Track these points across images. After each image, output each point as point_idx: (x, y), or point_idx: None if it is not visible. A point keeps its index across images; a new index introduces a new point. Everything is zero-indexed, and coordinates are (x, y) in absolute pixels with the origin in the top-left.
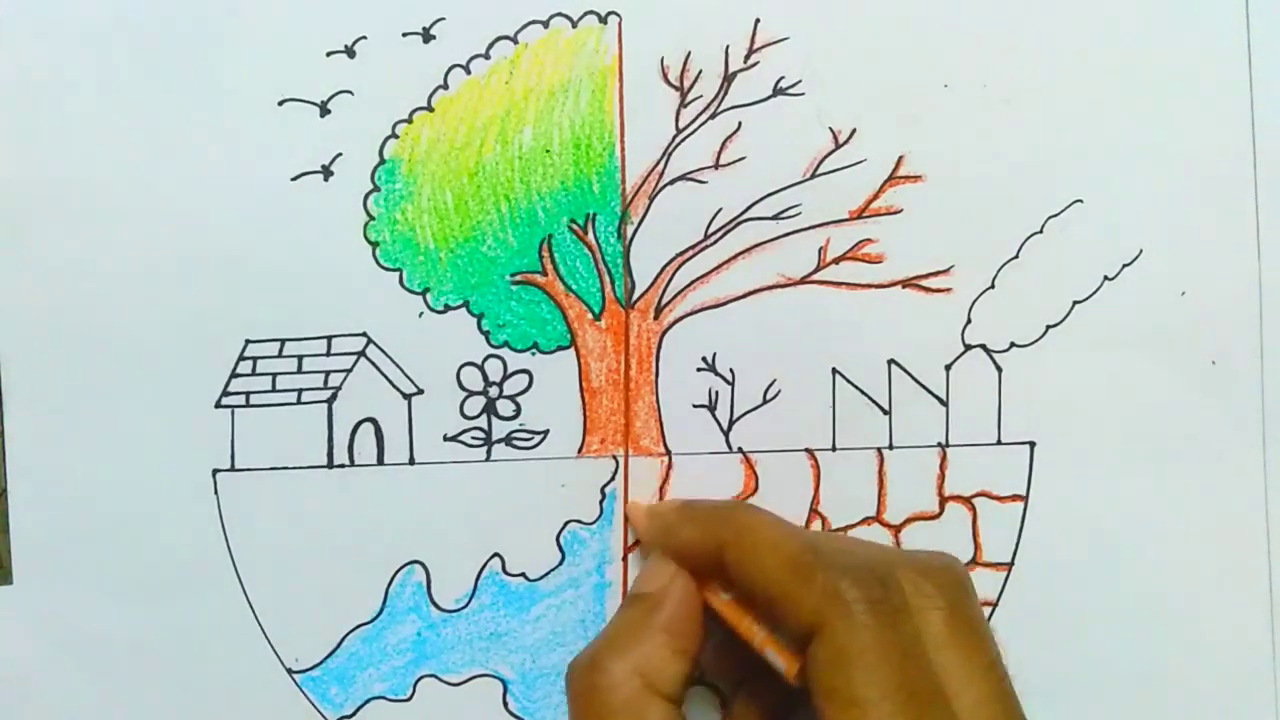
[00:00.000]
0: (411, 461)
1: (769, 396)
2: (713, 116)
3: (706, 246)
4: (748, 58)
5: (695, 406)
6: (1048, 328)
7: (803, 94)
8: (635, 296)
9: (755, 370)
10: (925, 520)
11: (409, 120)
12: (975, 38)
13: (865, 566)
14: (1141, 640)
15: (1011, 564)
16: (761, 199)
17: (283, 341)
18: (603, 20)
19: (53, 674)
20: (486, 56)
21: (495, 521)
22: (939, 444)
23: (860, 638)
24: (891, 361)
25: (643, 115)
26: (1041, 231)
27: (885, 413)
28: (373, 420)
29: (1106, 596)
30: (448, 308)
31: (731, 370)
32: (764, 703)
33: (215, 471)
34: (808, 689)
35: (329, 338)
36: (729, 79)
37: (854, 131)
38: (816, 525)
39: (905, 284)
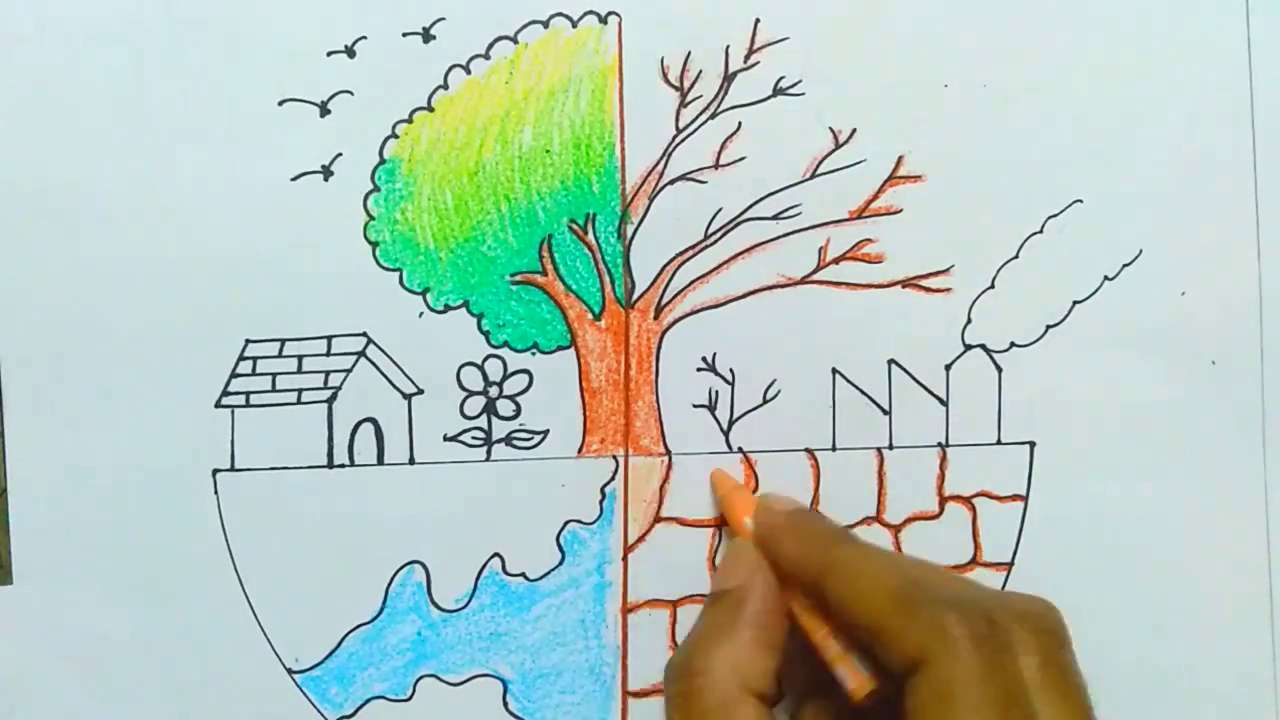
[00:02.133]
0: (411, 461)
1: (769, 396)
2: (713, 116)
3: (706, 246)
4: (748, 58)
5: (695, 406)
6: (1048, 328)
7: (803, 94)
8: (635, 296)
9: (755, 370)
10: (925, 520)
11: (409, 120)
12: (975, 38)
13: (970, 603)
14: (1141, 640)
15: (1011, 564)
16: (761, 199)
17: (283, 341)
18: (603, 20)
19: (53, 674)
20: (486, 56)
21: (495, 521)
22: (939, 444)
23: (965, 673)
24: (891, 361)
25: (643, 115)
26: (1041, 231)
27: (885, 413)
28: (373, 420)
29: (1106, 596)
30: (448, 308)
31: (731, 370)
32: (829, 717)
33: (215, 471)
34: (893, 717)
35: (329, 338)
36: (729, 79)
37: (854, 131)
38: None
39: (905, 284)
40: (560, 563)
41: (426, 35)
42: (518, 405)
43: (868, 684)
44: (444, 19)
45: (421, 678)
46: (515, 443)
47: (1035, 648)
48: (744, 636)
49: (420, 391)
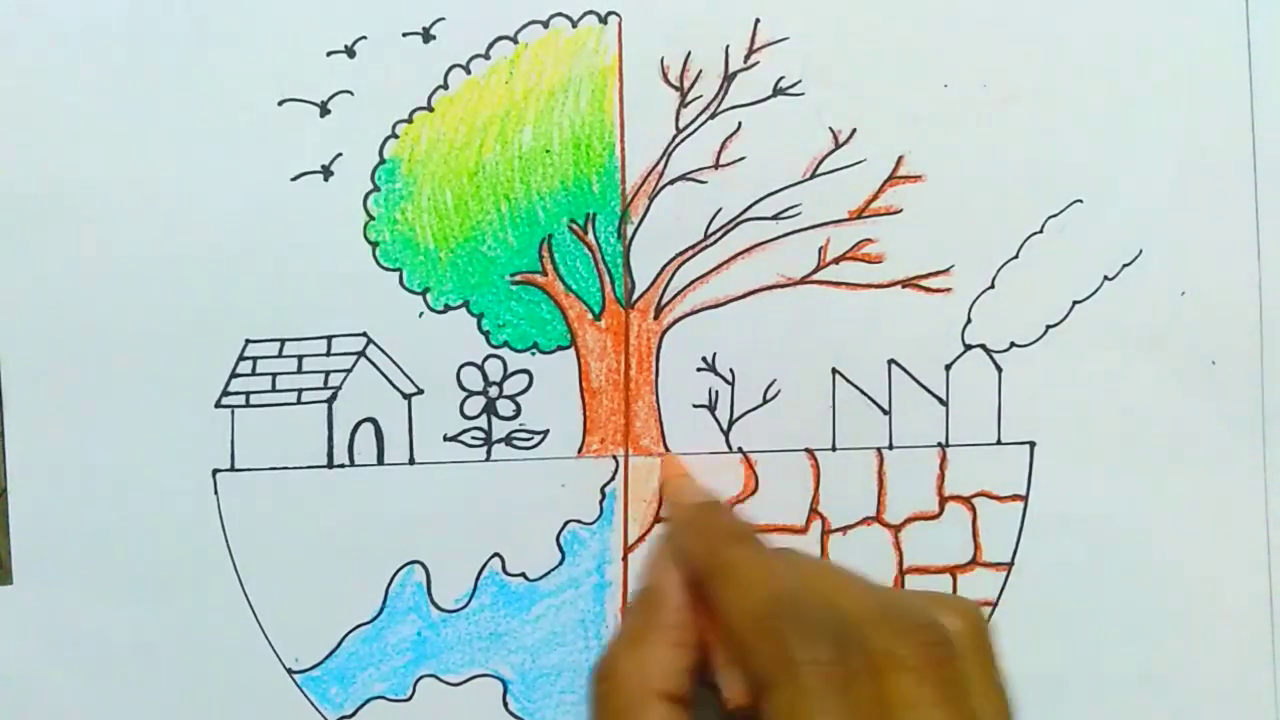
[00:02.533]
0: (411, 461)
1: (769, 396)
2: (713, 116)
3: (706, 246)
4: (748, 58)
5: (695, 406)
6: (1048, 328)
7: (803, 94)
8: (635, 296)
9: (755, 370)
10: (925, 520)
11: (409, 120)
12: (975, 38)
13: (828, 623)
14: (1141, 640)
15: (1011, 564)
16: (761, 199)
17: (283, 341)
18: (603, 20)
19: (53, 674)
20: (486, 56)
21: (495, 521)
22: (939, 444)
23: (806, 703)
24: (891, 361)
25: (643, 115)
26: (1041, 231)
27: (885, 413)
28: (373, 420)
29: (1106, 596)
30: (448, 308)
31: (731, 370)
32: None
33: (215, 471)
34: None
35: (329, 338)
36: (729, 79)
37: (854, 131)
38: (816, 525)
39: (905, 284)
40: (560, 563)
41: (426, 35)
42: (518, 405)
43: (743, 697)
44: (444, 19)
45: (421, 678)
46: (515, 443)
47: (911, 662)
48: (654, 637)
49: (420, 391)
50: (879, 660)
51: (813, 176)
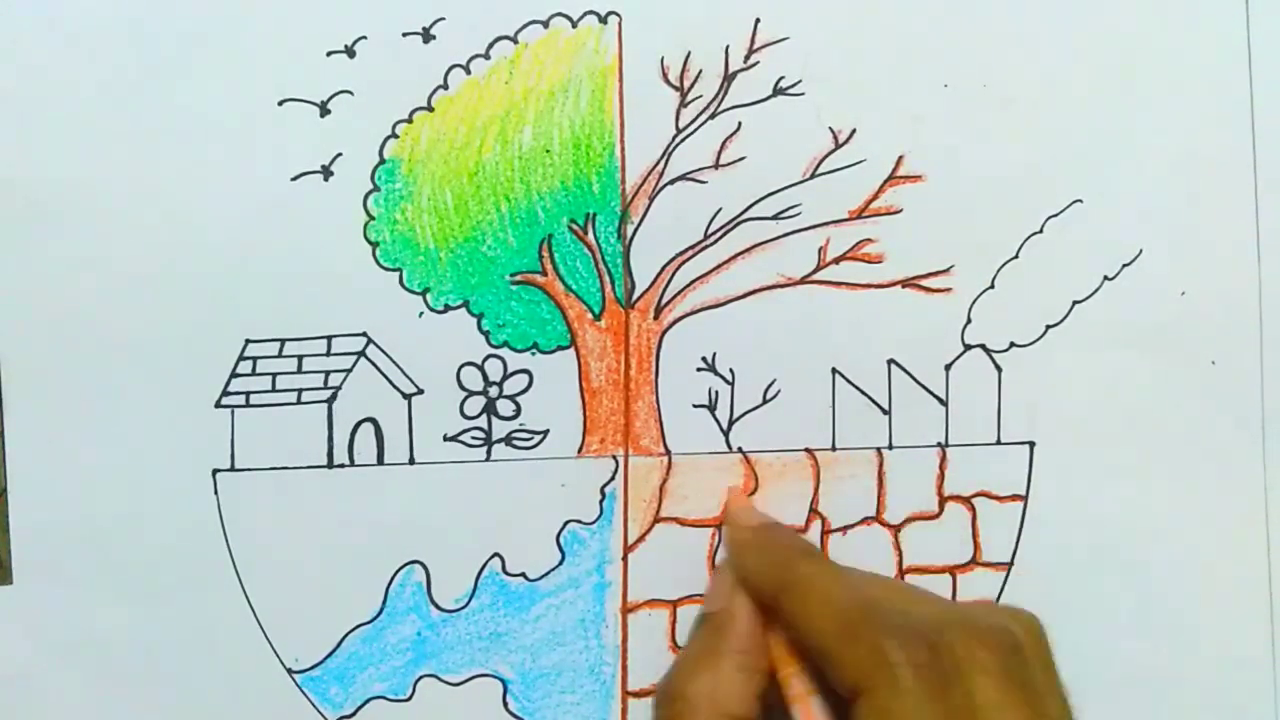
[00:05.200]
0: (411, 461)
1: (769, 396)
2: (713, 116)
3: (706, 246)
4: (748, 58)
5: (695, 406)
6: (1048, 328)
7: (803, 94)
8: (635, 296)
9: (755, 370)
10: (925, 520)
11: (409, 120)
12: (975, 38)
13: (915, 628)
14: (1141, 640)
15: (1011, 564)
16: (761, 199)
17: (283, 341)
18: (603, 20)
19: (53, 674)
20: (486, 56)
21: (495, 521)
22: (939, 444)
23: (904, 703)
24: (891, 361)
25: (643, 115)
26: (1041, 231)
27: (885, 413)
28: (373, 420)
29: (1106, 596)
30: (448, 308)
31: (731, 370)
32: None
33: (215, 471)
34: None
35: (329, 338)
36: (729, 79)
37: (854, 131)
38: (816, 525)
39: (905, 284)
40: (560, 563)
41: (426, 35)
42: (518, 405)
43: None
44: (444, 19)
45: (421, 678)
46: (515, 443)
47: (992, 666)
48: (724, 662)
49: (420, 391)
50: (963, 663)
51: (813, 176)
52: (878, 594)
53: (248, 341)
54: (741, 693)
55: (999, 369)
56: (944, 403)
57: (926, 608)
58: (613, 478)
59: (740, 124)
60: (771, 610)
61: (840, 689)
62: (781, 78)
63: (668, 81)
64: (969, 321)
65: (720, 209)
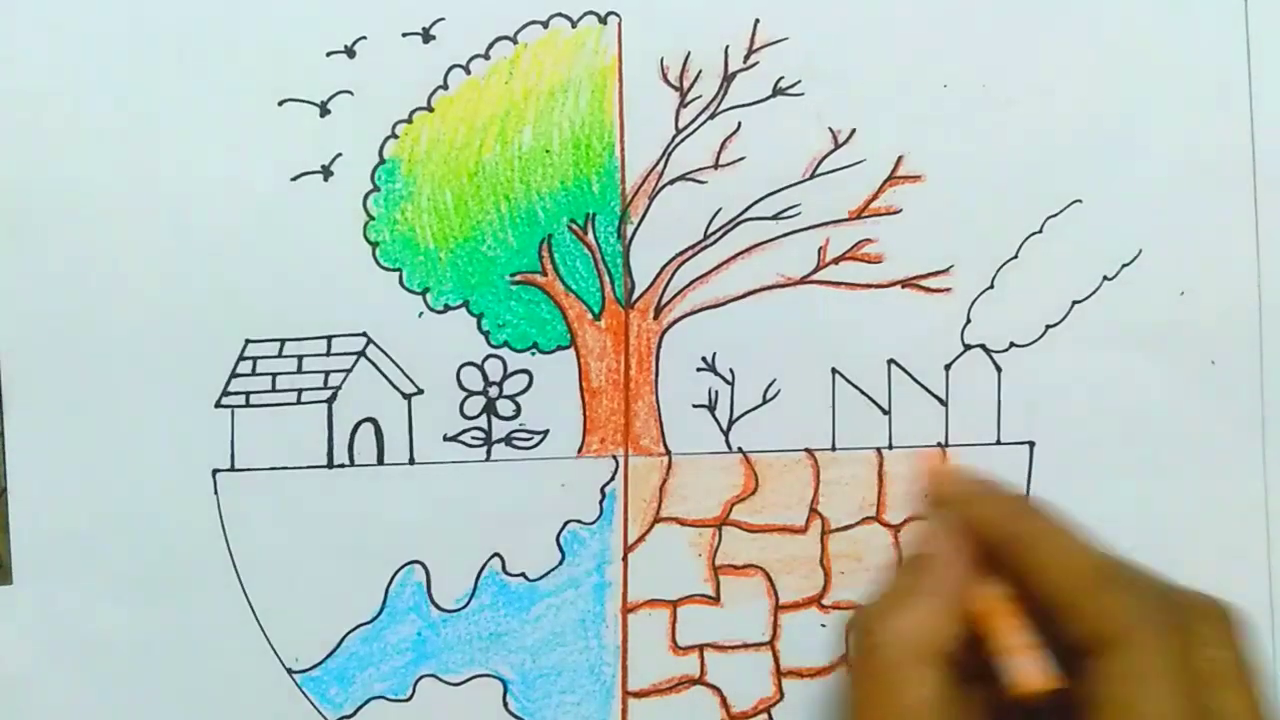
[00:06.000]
0: (411, 461)
1: (769, 396)
2: (712, 116)
3: (706, 246)
4: (748, 58)
5: (695, 406)
6: (1047, 328)
7: (803, 94)
8: (635, 296)
9: (755, 370)
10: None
11: (409, 120)
12: (975, 38)
13: (1163, 592)
14: None
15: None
16: (761, 199)
17: (283, 341)
18: (602, 20)
19: (53, 674)
20: (486, 56)
21: (495, 521)
22: (939, 444)
23: (1159, 660)
24: (891, 361)
25: (643, 115)
26: (1041, 231)
27: (885, 413)
28: (373, 420)
29: None
30: (448, 308)
31: (731, 370)
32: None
33: (215, 471)
34: (1071, 702)
35: (329, 338)
36: (729, 79)
37: (854, 131)
38: (816, 525)
39: (905, 284)
40: (560, 563)
41: (426, 35)
42: (518, 405)
43: (1044, 683)
44: (444, 19)
45: (421, 678)
46: (515, 443)
47: (1218, 641)
48: (927, 602)
49: (420, 391)
50: (1206, 633)
51: (812, 176)
52: (1115, 555)
53: (248, 341)
54: (945, 634)
55: (999, 369)
56: (944, 403)
57: (1157, 577)
58: (613, 478)
59: (740, 124)
60: (995, 561)
61: (1079, 641)
62: (781, 78)
63: (667, 81)
64: (969, 321)
65: (720, 209)
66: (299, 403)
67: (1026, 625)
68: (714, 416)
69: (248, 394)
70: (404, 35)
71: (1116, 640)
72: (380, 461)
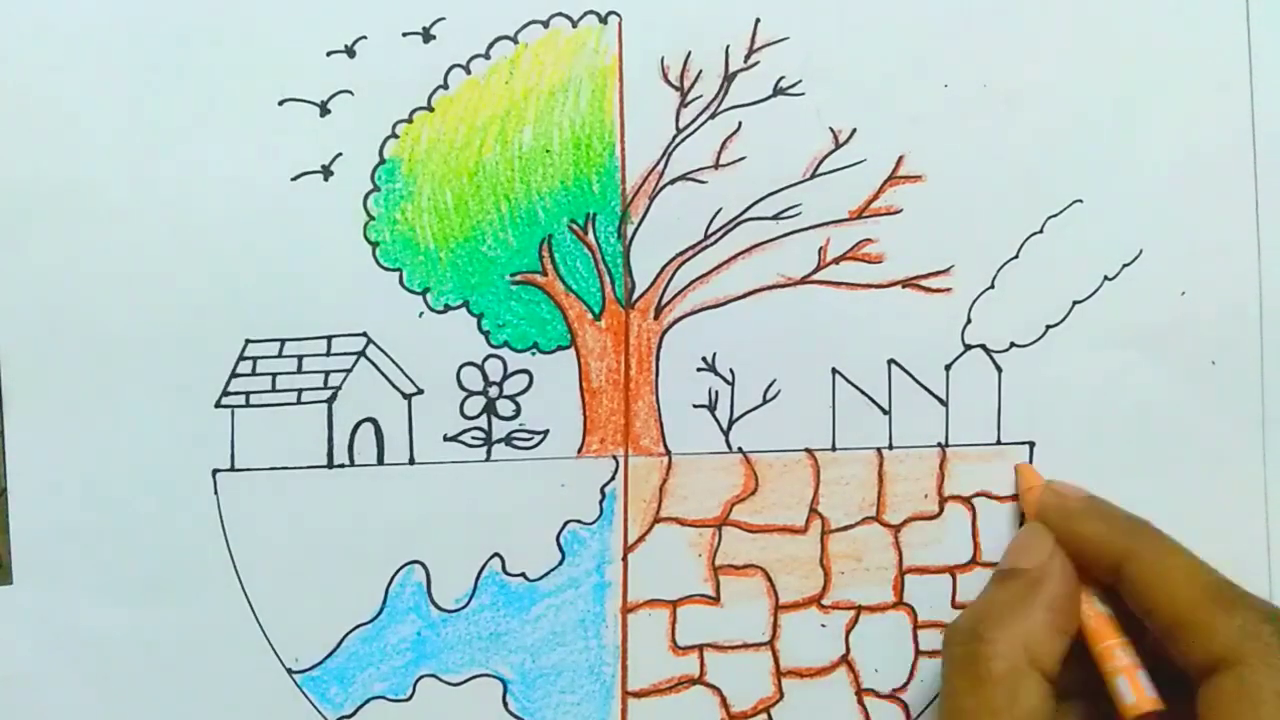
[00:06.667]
0: (411, 461)
1: (769, 396)
2: (713, 116)
3: (706, 246)
4: (748, 58)
5: (695, 406)
6: (1048, 328)
7: (803, 94)
8: (635, 296)
9: (755, 370)
10: (925, 520)
11: (409, 120)
12: (975, 38)
13: (1274, 615)
14: None
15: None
16: (761, 199)
17: (283, 341)
18: (603, 20)
19: (53, 674)
20: (486, 56)
21: (495, 521)
22: (939, 444)
23: (1271, 681)
24: (891, 361)
25: (643, 115)
26: (1041, 231)
27: (885, 413)
28: (373, 420)
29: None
30: (448, 308)
31: (731, 370)
32: None
33: (215, 471)
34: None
35: (329, 338)
36: (729, 79)
37: (854, 131)
38: (816, 525)
39: (905, 284)
40: (560, 563)
41: (426, 35)
42: (518, 405)
43: (1156, 704)
44: (444, 19)
45: (421, 678)
46: (515, 443)
47: None
48: (1037, 616)
49: (420, 391)
50: None
51: (813, 176)
52: (1224, 578)
53: (248, 341)
54: (1053, 649)
55: (999, 369)
56: (944, 403)
57: (1264, 600)
58: (613, 478)
59: (740, 124)
60: (1103, 579)
61: (1197, 660)
62: (781, 77)
63: (668, 81)
64: (969, 321)
65: (720, 209)
66: (299, 403)
67: (1131, 645)
68: (714, 416)
69: (248, 394)
70: (404, 35)
71: (1229, 660)
72: (380, 461)
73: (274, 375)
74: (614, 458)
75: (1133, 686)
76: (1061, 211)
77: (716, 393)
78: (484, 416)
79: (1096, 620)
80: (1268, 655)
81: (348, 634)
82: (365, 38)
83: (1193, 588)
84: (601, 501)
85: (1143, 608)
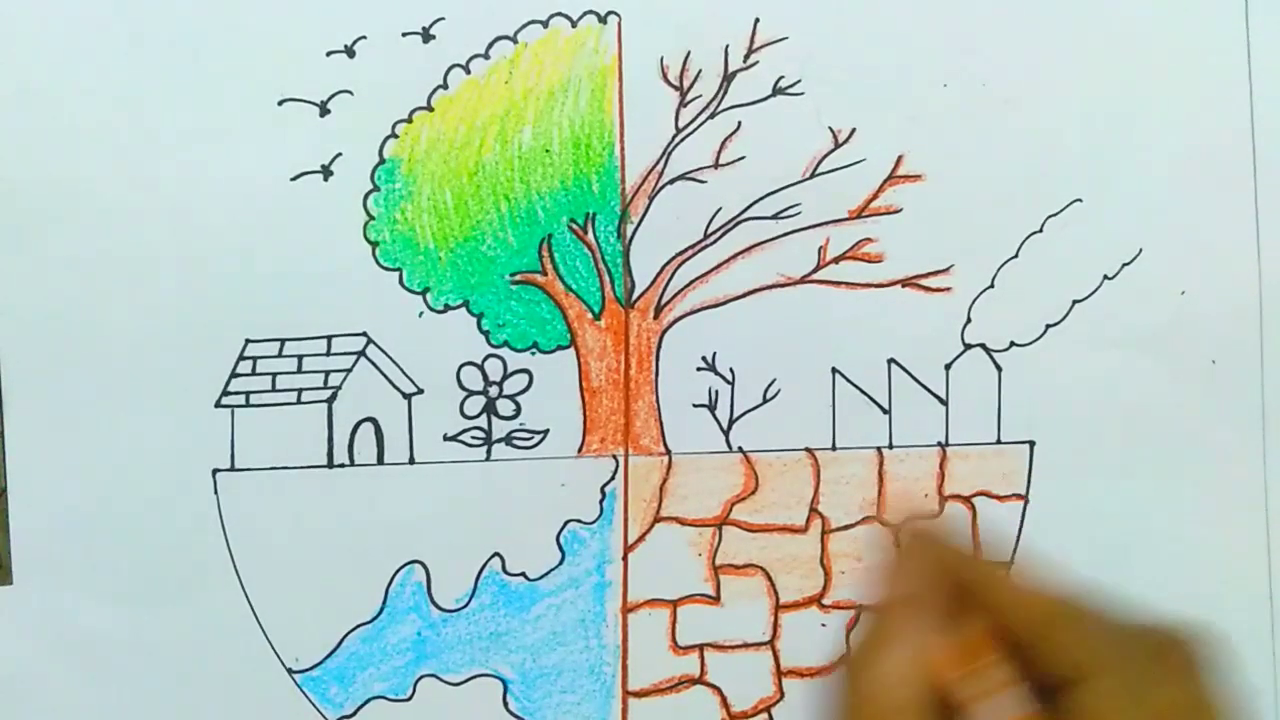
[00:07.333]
0: (411, 461)
1: (769, 396)
2: (712, 116)
3: (706, 246)
4: (747, 57)
5: (695, 406)
6: (1048, 327)
7: (803, 94)
8: (635, 296)
9: (755, 370)
10: (925, 520)
11: (409, 120)
12: (975, 38)
13: (1123, 630)
14: None
15: (1011, 564)
16: (761, 198)
17: (283, 341)
18: (602, 20)
19: (53, 674)
20: (486, 56)
21: (495, 521)
22: (939, 444)
23: (1114, 701)
24: (891, 361)
25: (642, 115)
26: (1041, 231)
27: (885, 412)
28: (373, 420)
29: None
30: (448, 307)
31: (731, 370)
32: None
33: (215, 471)
34: None
35: (329, 338)
36: (729, 79)
37: (854, 131)
38: (816, 525)
39: (905, 283)
40: (560, 562)
41: (426, 35)
42: (518, 405)
43: (1029, 716)
44: (444, 19)
45: (421, 678)
46: (515, 442)
47: (1175, 679)
48: (900, 650)
49: (420, 391)
50: (1150, 672)
51: (812, 176)
52: (1077, 596)
53: (248, 341)
54: (922, 678)
55: (999, 369)
56: (944, 402)
57: (1126, 613)
58: (613, 477)
59: (740, 124)
60: (971, 598)
61: (1055, 672)
62: (781, 77)
63: (667, 81)
64: (969, 321)
65: (720, 209)
66: (299, 402)
67: (1006, 662)
68: (714, 416)
69: (248, 394)
70: (404, 35)
71: (1085, 673)
72: (380, 461)
73: (274, 375)
74: (614, 457)
75: (997, 704)
76: (1061, 211)
77: (716, 392)
78: (484, 416)
79: (967, 642)
80: (1118, 668)
81: (348, 634)
82: (365, 38)
83: (1050, 603)
84: (601, 501)
85: (999, 626)
